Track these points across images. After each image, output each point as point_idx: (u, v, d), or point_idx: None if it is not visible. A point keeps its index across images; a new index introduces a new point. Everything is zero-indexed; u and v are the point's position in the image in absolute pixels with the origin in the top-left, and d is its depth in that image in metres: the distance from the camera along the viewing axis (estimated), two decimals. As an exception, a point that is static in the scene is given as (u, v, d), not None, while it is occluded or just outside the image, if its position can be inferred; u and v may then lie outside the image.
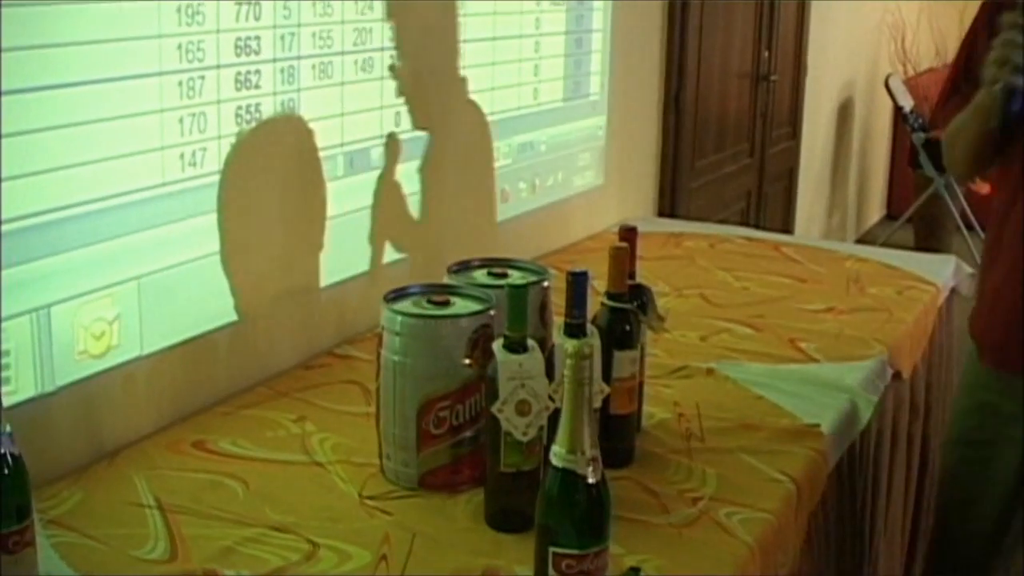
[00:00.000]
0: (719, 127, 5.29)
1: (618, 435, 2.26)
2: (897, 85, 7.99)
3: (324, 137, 2.80)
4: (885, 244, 7.66)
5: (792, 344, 3.03)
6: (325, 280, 2.89)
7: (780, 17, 5.90)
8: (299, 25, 2.68)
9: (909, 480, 3.41)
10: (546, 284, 2.30)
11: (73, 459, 2.26)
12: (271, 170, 2.69)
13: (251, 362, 2.70)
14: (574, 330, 2.04)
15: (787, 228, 6.45)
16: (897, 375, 3.08)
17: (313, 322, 2.88)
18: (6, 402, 1.77)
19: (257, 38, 2.57)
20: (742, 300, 3.41)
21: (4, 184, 2.04)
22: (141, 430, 2.41)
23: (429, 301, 2.18)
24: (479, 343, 2.07)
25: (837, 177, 7.75)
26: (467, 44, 3.28)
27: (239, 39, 2.52)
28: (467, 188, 3.45)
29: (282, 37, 2.64)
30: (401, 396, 2.11)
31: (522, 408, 1.93)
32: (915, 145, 7.83)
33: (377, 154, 2.98)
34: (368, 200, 2.98)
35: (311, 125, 2.76)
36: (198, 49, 2.42)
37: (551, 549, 1.67)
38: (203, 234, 2.51)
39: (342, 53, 2.82)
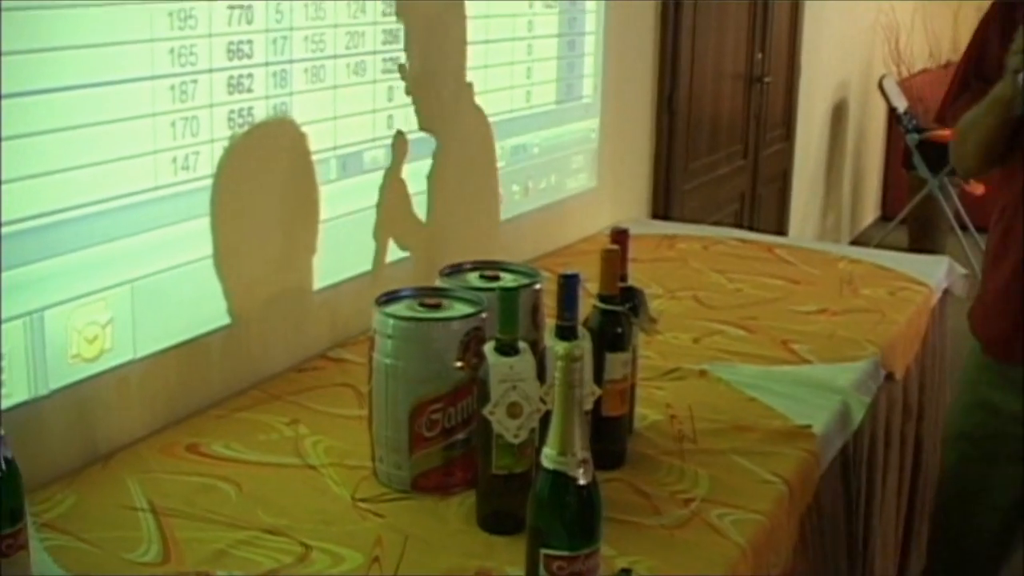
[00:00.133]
0: (712, 129, 5.29)
1: (610, 437, 2.26)
2: (891, 86, 8.00)
3: (316, 140, 2.80)
4: (879, 245, 7.67)
5: (785, 346, 3.04)
6: (318, 283, 2.89)
7: (773, 18, 5.91)
8: (291, 29, 2.68)
9: (902, 481, 3.41)
10: (538, 287, 2.30)
11: (66, 462, 2.26)
12: (264, 174, 2.70)
13: (244, 365, 2.71)
14: (565, 332, 2.04)
15: (781, 229, 6.46)
16: (890, 376, 3.09)
17: (306, 325, 2.89)
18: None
19: (249, 42, 2.57)
20: (735, 302, 3.42)
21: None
22: (134, 433, 2.42)
23: (421, 304, 2.19)
24: (471, 346, 2.08)
25: (831, 178, 7.76)
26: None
27: (231, 43, 2.53)
28: (466, 191, 3.46)
29: (274, 41, 2.64)
30: (393, 399, 2.12)
31: (513, 410, 1.94)
32: (909, 146, 7.84)
33: (370, 157, 2.99)
34: (360, 203, 2.98)
35: (303, 129, 2.76)
36: (190, 53, 2.42)
37: (542, 551, 1.68)
38: (196, 238, 2.51)
39: (334, 57, 2.82)
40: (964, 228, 7.84)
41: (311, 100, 2.77)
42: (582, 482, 1.66)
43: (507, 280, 2.34)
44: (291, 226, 2.80)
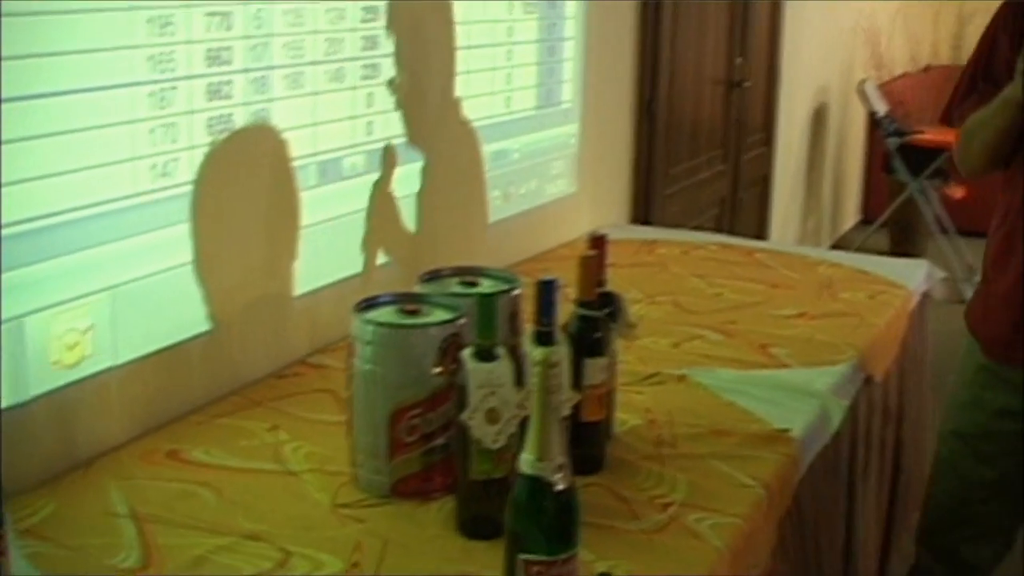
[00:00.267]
0: (692, 134, 5.30)
1: (589, 442, 2.27)
2: (872, 90, 8.02)
3: (296, 147, 2.80)
4: (860, 248, 7.69)
5: (764, 350, 3.05)
6: (298, 289, 2.89)
7: (753, 23, 5.92)
8: (270, 35, 2.69)
9: (882, 483, 3.43)
10: (516, 292, 2.31)
11: (47, 469, 2.26)
12: (244, 180, 2.70)
13: (225, 371, 2.71)
14: (543, 338, 2.05)
15: (762, 234, 6.47)
16: (869, 379, 3.11)
17: (286, 331, 2.89)
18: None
19: (228, 49, 2.58)
20: (714, 306, 3.43)
21: (-24, 195, 2.05)
22: (115, 440, 2.42)
23: (400, 310, 2.19)
24: (449, 352, 2.08)
25: (812, 182, 7.78)
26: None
27: (210, 50, 2.53)
28: (454, 203, 3.47)
29: (253, 48, 2.65)
30: (372, 405, 2.13)
31: (492, 416, 1.94)
32: (889, 150, 7.86)
33: (349, 163, 2.99)
34: (340, 209, 2.98)
35: (283, 135, 2.77)
36: (169, 60, 2.42)
37: (520, 556, 1.68)
38: (176, 244, 2.52)
39: (313, 63, 2.83)
40: (945, 231, 7.86)
41: (290, 107, 2.78)
42: (560, 487, 1.67)
43: (486, 286, 2.34)
44: (271, 232, 2.81)
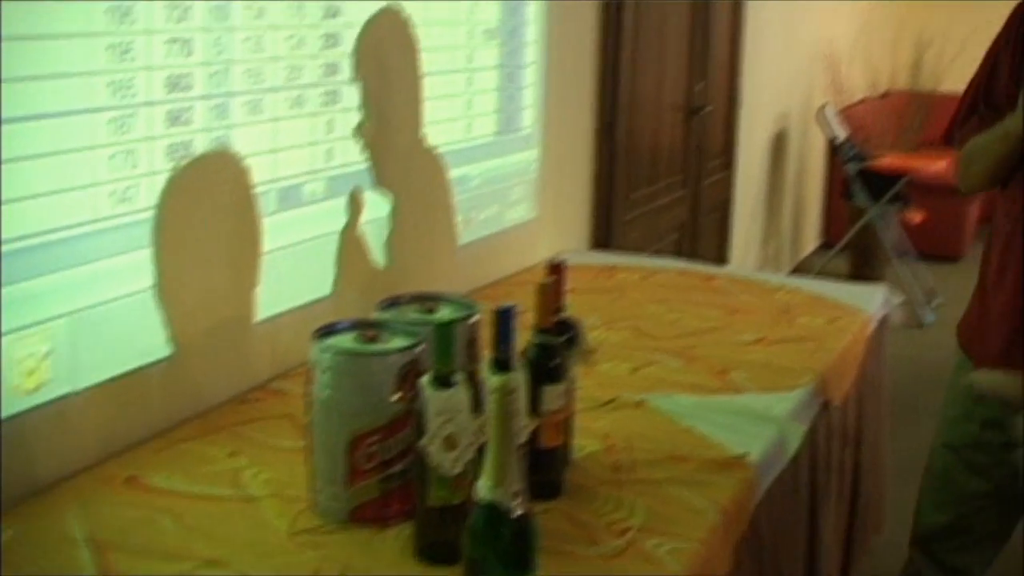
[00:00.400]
0: (652, 159, 5.32)
1: (547, 468, 2.28)
2: (831, 115, 8.06)
3: (256, 173, 2.81)
4: (821, 273, 7.74)
5: (722, 375, 3.07)
6: (259, 315, 2.90)
7: (713, 49, 5.95)
8: (230, 62, 2.70)
9: (841, 506, 3.44)
10: (474, 319, 2.32)
11: (5, 494, 2.25)
12: (204, 206, 2.71)
13: (185, 397, 2.71)
14: (501, 365, 2.06)
15: (722, 258, 6.50)
16: (827, 404, 3.13)
17: (247, 357, 2.89)
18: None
19: (188, 75, 2.59)
20: (673, 332, 3.44)
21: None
22: (74, 465, 2.41)
23: (359, 337, 2.20)
24: (408, 378, 2.09)
25: (772, 207, 7.81)
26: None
27: (170, 76, 2.54)
28: (422, 235, 3.50)
29: (213, 74, 2.66)
30: (331, 431, 2.13)
31: (450, 442, 1.95)
32: (848, 175, 7.90)
33: (309, 190, 3.00)
34: (299, 236, 2.99)
35: (244, 161, 2.78)
36: (129, 87, 2.43)
37: (477, 582, 1.70)
38: (136, 270, 2.52)
39: (273, 90, 2.84)
40: (904, 256, 7.91)
41: (250, 133, 2.79)
42: (516, 514, 1.68)
43: (444, 312, 2.35)
44: (232, 258, 2.81)
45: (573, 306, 2.45)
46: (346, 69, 3.07)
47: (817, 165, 8.92)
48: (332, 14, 3.00)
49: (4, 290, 2.21)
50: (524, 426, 2.09)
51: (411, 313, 2.36)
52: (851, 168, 7.87)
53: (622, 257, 4.44)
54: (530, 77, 4.01)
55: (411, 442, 2.04)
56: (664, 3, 5.23)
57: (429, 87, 3.42)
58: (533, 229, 4.17)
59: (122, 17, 2.40)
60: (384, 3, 3.19)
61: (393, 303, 2.41)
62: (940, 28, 9.78)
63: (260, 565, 2.04)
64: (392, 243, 3.35)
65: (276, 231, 2.89)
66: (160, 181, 2.54)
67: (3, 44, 2.14)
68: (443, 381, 1.97)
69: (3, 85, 2.15)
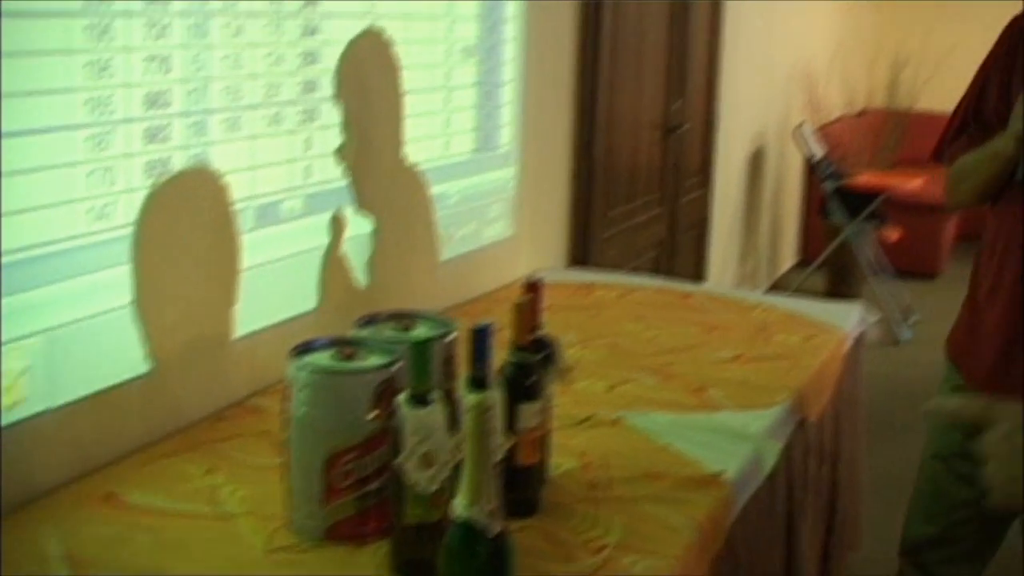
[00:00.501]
0: (630, 177, 5.33)
1: (523, 486, 2.29)
2: (808, 134, 8.09)
3: (234, 190, 2.81)
4: (798, 290, 7.76)
5: (699, 393, 3.07)
6: (237, 332, 2.90)
7: (691, 68, 5.97)
8: (209, 79, 2.70)
9: (818, 523, 3.45)
10: (451, 337, 2.33)
11: (-19, 512, 2.26)
12: (184, 223, 2.71)
13: (163, 413, 2.71)
14: (477, 383, 2.06)
15: (699, 276, 6.51)
16: (803, 421, 3.14)
17: (225, 374, 2.89)
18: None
19: (167, 92, 2.59)
20: (650, 349, 3.45)
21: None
22: (51, 482, 2.41)
23: (336, 355, 2.20)
24: (384, 396, 2.09)
25: (750, 224, 7.83)
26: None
27: (148, 93, 2.54)
28: (404, 254, 3.51)
29: (192, 91, 2.66)
30: (307, 449, 2.13)
31: (426, 460, 1.96)
32: (825, 193, 7.93)
33: (287, 207, 3.01)
34: (278, 253, 2.99)
35: (222, 178, 2.78)
36: (107, 103, 2.43)
37: (454, 600, 1.70)
38: (114, 287, 2.52)
39: (252, 107, 2.84)
40: (881, 273, 7.93)
41: (228, 150, 2.79)
42: (493, 532, 1.68)
43: (421, 330, 2.36)
44: (211, 275, 2.82)
45: (550, 324, 2.45)
46: (324, 87, 3.08)
47: (794, 183, 8.95)
48: (310, 32, 3.01)
49: (-19, 307, 2.21)
50: (500, 444, 2.10)
51: (388, 331, 2.37)
52: (828, 186, 7.90)
53: (600, 274, 4.45)
54: (508, 95, 4.02)
55: (388, 460, 2.04)
56: (642, 23, 5.24)
57: (408, 105, 3.43)
58: (511, 246, 4.18)
59: (100, 34, 2.40)
60: (364, 22, 3.20)
61: (370, 321, 2.41)
62: (916, 48, 9.84)
63: (236, 583, 2.05)
64: (374, 261, 3.35)
65: (254, 248, 2.89)
66: (138, 198, 2.55)
67: (-19, 61, 2.14)
68: (420, 399, 1.98)
69: (-19, 102, 2.15)
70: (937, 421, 3.00)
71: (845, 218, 7.80)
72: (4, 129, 2.20)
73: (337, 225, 3.18)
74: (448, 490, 1.93)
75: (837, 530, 3.64)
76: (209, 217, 2.79)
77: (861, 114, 9.84)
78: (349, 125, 3.18)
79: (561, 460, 2.54)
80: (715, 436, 2.77)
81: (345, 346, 2.24)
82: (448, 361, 2.30)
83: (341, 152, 3.17)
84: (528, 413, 2.26)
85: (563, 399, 2.69)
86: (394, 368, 2.13)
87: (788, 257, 9.08)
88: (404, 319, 2.42)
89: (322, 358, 2.19)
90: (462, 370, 2.20)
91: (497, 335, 2.13)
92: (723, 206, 7.00)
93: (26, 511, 2.31)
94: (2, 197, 2.21)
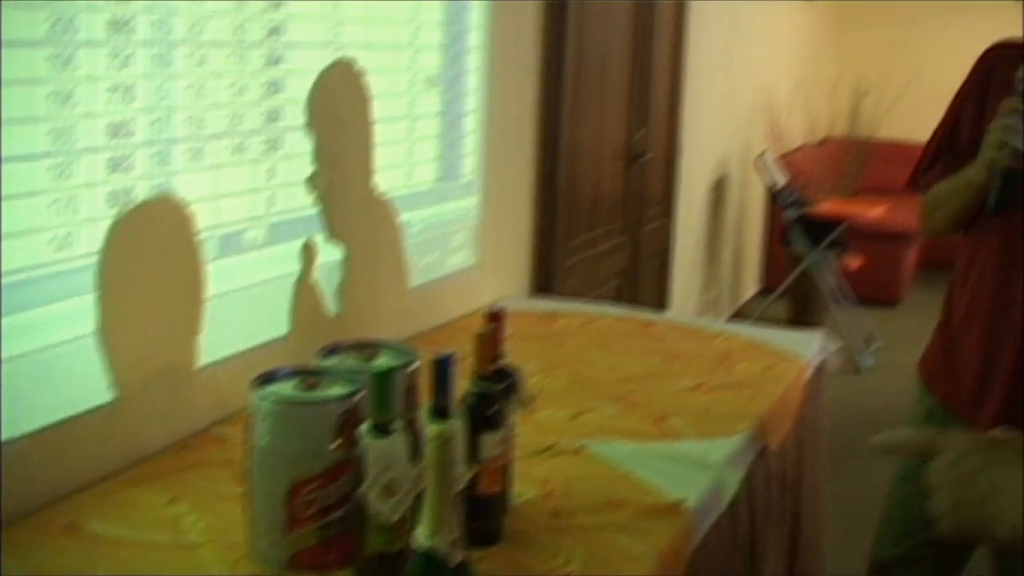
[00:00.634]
0: (593, 206, 5.35)
1: (485, 515, 2.29)
2: (770, 162, 8.14)
3: (198, 219, 2.82)
4: (760, 318, 7.80)
5: (661, 421, 3.09)
6: (200, 361, 2.90)
7: (653, 97, 6.00)
8: (172, 109, 2.71)
9: (780, 552, 3.46)
10: (413, 367, 2.33)
11: (-59, 544, 2.25)
12: (147, 252, 2.71)
13: (126, 442, 2.70)
14: (439, 412, 2.07)
15: (662, 304, 6.53)
16: (764, 449, 3.15)
17: (188, 402, 2.89)
18: None
19: (130, 121, 2.60)
20: (612, 378, 3.46)
21: None
22: (11, 512, 2.39)
23: (298, 384, 2.21)
24: (347, 426, 2.10)
25: (712, 253, 7.86)
26: (341, 127, 3.35)
27: (112, 123, 2.55)
28: (374, 284, 3.52)
29: (155, 121, 2.66)
30: (270, 478, 2.13)
31: (389, 490, 1.96)
32: (787, 221, 7.97)
33: (250, 236, 3.01)
34: (240, 282, 3.00)
35: (186, 207, 2.78)
36: (70, 133, 2.44)
37: (416, 629, 1.70)
38: (77, 316, 2.52)
39: (215, 136, 2.85)
40: (842, 301, 7.97)
41: (192, 180, 2.79)
42: (455, 561, 1.69)
43: (384, 360, 2.36)
44: (174, 304, 2.82)
45: (513, 352, 2.46)
46: (288, 116, 3.09)
47: (756, 211, 8.99)
48: (274, 61, 3.02)
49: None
50: (462, 473, 2.11)
51: (351, 360, 2.37)
52: (790, 214, 7.94)
53: (562, 303, 4.46)
54: (471, 125, 4.04)
55: (350, 489, 2.05)
56: (605, 53, 5.26)
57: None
58: (474, 275, 4.19)
59: (64, 64, 2.41)
60: (328, 52, 3.21)
61: (333, 350, 2.42)
62: (877, 77, 9.92)
63: (199, 612, 2.04)
64: (343, 289, 3.36)
65: (217, 277, 2.90)
66: (101, 228, 2.55)
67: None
68: (382, 429, 1.98)
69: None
70: (884, 455, 3.02)
71: (807, 246, 7.85)
72: (-33, 159, 2.21)
73: (308, 253, 3.19)
74: (410, 520, 1.94)
75: (800, 558, 3.65)
76: (172, 246, 2.79)
77: (823, 143, 9.90)
78: (321, 154, 3.19)
79: (523, 489, 2.54)
80: (676, 465, 2.79)
81: (308, 376, 2.24)
82: (410, 391, 2.31)
83: (312, 180, 3.18)
84: (490, 442, 2.26)
85: (525, 428, 2.70)
86: (356, 398, 2.14)
87: (750, 285, 9.11)
88: (367, 349, 2.42)
89: (284, 388, 2.19)
90: (425, 399, 2.21)
91: (460, 364, 2.13)
92: (685, 235, 7.02)
93: (-14, 541, 2.30)
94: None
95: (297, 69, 3.11)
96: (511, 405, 2.36)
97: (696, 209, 7.33)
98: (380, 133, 3.49)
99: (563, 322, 4.10)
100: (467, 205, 4.09)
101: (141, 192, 2.65)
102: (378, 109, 3.46)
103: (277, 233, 3.10)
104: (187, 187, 2.78)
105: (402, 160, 3.65)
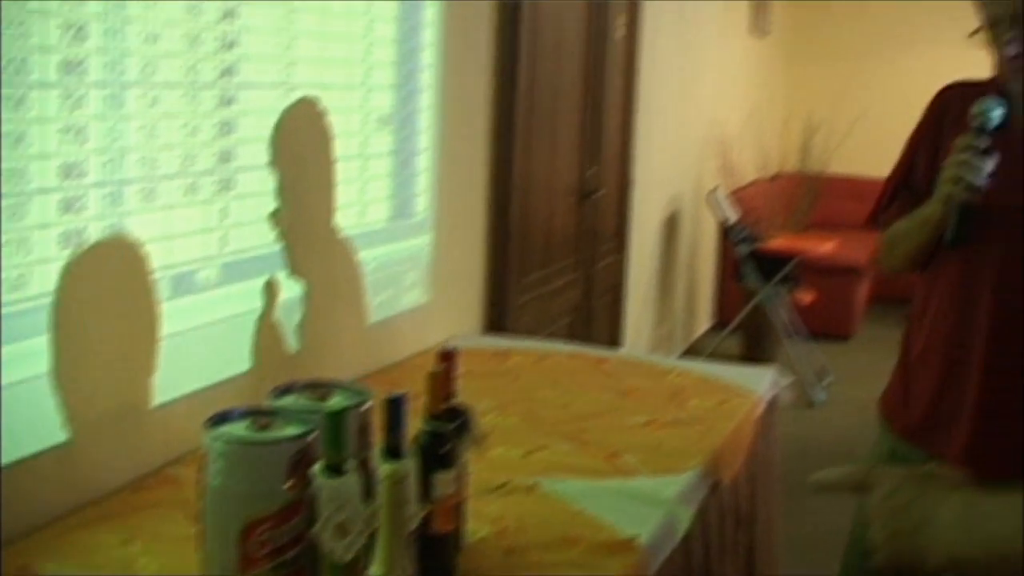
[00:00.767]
0: (546, 243, 5.37)
1: (439, 554, 2.29)
2: (722, 198, 8.18)
3: (151, 260, 2.82)
4: (713, 353, 7.82)
5: (613, 458, 3.10)
6: (154, 400, 2.90)
7: (605, 133, 6.03)
8: (125, 149, 2.72)
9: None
10: (366, 407, 2.34)
11: None
12: (100, 292, 2.71)
13: (79, 484, 2.69)
14: (392, 452, 2.08)
15: (615, 340, 6.55)
16: (717, 484, 3.17)
17: (142, 443, 2.88)
18: None
19: (83, 162, 2.60)
20: (565, 415, 3.47)
21: None
22: (-38, 556, 2.40)
23: (251, 424, 2.21)
24: (300, 466, 2.10)
25: (665, 289, 7.89)
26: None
27: (64, 164, 2.55)
28: (333, 322, 3.51)
29: (107, 162, 2.67)
30: (223, 519, 2.13)
31: (341, 530, 1.97)
32: (739, 257, 8.01)
33: (203, 276, 3.02)
34: (195, 322, 3.00)
35: (140, 248, 2.79)
36: (22, 174, 2.44)
37: (369, 669, 1.71)
38: (30, 356, 2.52)
39: (168, 177, 2.86)
40: (795, 336, 8.01)
41: (144, 220, 2.80)
42: (407, 600, 1.70)
43: (337, 400, 2.37)
44: (128, 344, 2.82)
45: (467, 390, 2.47)
46: (241, 156, 3.10)
47: (709, 247, 9.03)
48: (227, 102, 3.03)
49: None
50: (415, 512, 2.11)
51: (304, 400, 2.38)
52: (742, 250, 7.98)
53: (515, 340, 4.48)
54: (423, 163, 4.06)
55: (303, 529, 2.05)
56: (557, 90, 5.29)
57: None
58: (427, 313, 4.20)
59: (16, 105, 2.41)
60: (280, 92, 3.23)
61: (286, 390, 2.42)
62: (827, 113, 10.00)
63: (152, 654, 2.04)
64: (303, 327, 3.38)
65: (170, 317, 2.90)
66: (53, 268, 2.55)
67: None
68: (335, 469, 1.99)
69: None
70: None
71: (759, 281, 7.89)
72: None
73: (270, 290, 3.20)
74: (363, 559, 1.95)
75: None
76: (126, 287, 2.79)
77: (774, 178, 9.97)
78: (283, 191, 3.21)
79: (477, 527, 2.55)
80: (629, 501, 2.80)
81: (260, 416, 2.24)
82: (363, 430, 2.31)
83: (275, 217, 3.20)
84: (443, 481, 2.27)
85: (479, 466, 2.70)
86: (309, 438, 2.14)
87: (703, 320, 9.15)
88: (320, 388, 2.42)
89: (237, 428, 2.19)
90: (378, 439, 2.21)
91: (412, 403, 2.14)
92: (638, 270, 7.05)
93: (-63, 585, 2.30)
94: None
95: (250, 110, 3.12)
96: (464, 443, 2.37)
97: (649, 245, 7.36)
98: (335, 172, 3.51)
99: (516, 359, 4.11)
100: (420, 243, 4.10)
101: (94, 233, 2.65)
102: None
103: (230, 273, 3.11)
104: (140, 228, 2.78)
105: (355, 199, 3.66)
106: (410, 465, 2.10)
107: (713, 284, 9.28)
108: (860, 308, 9.38)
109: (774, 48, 10.44)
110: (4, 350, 2.44)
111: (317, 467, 2.01)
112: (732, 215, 8.17)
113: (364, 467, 2.09)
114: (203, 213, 3.00)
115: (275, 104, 3.23)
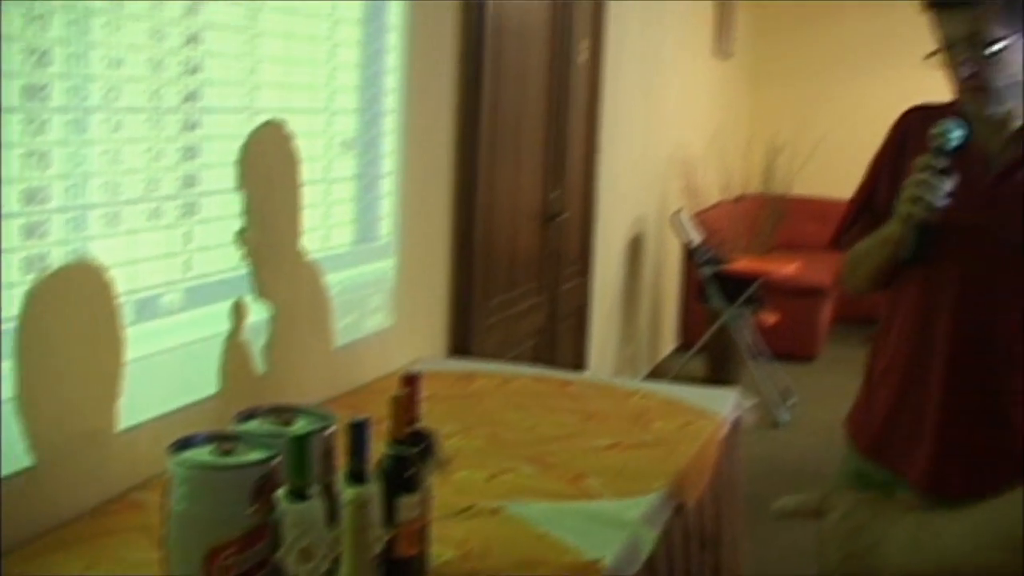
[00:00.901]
0: (510, 266, 5.37)
1: (403, 577, 2.31)
2: (686, 220, 8.20)
3: (114, 284, 2.82)
4: (678, 375, 7.85)
5: (577, 481, 3.11)
6: (118, 425, 2.89)
7: (569, 156, 6.04)
8: (88, 174, 2.71)
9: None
10: (330, 431, 2.34)
11: None
12: (64, 317, 2.70)
13: (43, 509, 2.68)
14: (355, 477, 2.09)
15: (580, 363, 6.56)
16: (681, 506, 3.18)
17: (106, 468, 2.88)
18: None
19: (46, 188, 2.60)
20: (530, 438, 3.48)
21: None
22: (-76, 583, 2.39)
23: (215, 450, 2.21)
24: (264, 491, 2.11)
25: (630, 310, 7.90)
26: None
27: (26, 189, 2.55)
28: (299, 346, 3.52)
29: (70, 187, 2.67)
30: (187, 544, 2.13)
31: (305, 555, 1.97)
32: (704, 278, 8.03)
33: (167, 301, 3.01)
34: (159, 346, 3.00)
35: (104, 273, 2.78)
36: (-15, 201, 2.44)
37: None
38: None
39: (131, 202, 2.86)
40: (759, 357, 8.04)
41: (107, 245, 2.79)
42: (371, 624, 1.71)
43: (301, 424, 2.37)
44: (93, 369, 2.81)
45: (431, 413, 2.48)
46: (204, 181, 3.10)
47: (673, 268, 9.05)
48: (191, 127, 3.04)
49: None
50: (379, 537, 2.12)
51: (267, 425, 2.38)
52: (706, 271, 8.00)
53: (480, 364, 4.48)
54: (387, 187, 4.06)
55: (267, 554, 2.06)
56: (520, 113, 5.31)
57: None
58: (391, 337, 4.20)
59: (-22, 132, 2.42)
60: (244, 117, 3.24)
61: (250, 415, 2.42)
62: (791, 134, 10.04)
63: None
64: (269, 349, 3.38)
65: (134, 342, 2.89)
66: (16, 293, 2.54)
67: None
68: (298, 494, 2.00)
69: None
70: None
71: (723, 303, 7.91)
72: None
73: (238, 312, 3.21)
74: (328, 584, 1.96)
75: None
76: (90, 311, 2.79)
77: (738, 200, 10.00)
78: (251, 213, 3.21)
79: (441, 550, 2.55)
80: (593, 524, 2.81)
81: (224, 441, 2.25)
82: (327, 455, 2.31)
83: (242, 237, 3.20)
84: (407, 505, 2.28)
85: (443, 489, 2.71)
86: (273, 463, 2.15)
87: (668, 342, 9.16)
88: (284, 413, 2.43)
89: (201, 453, 2.20)
90: (342, 463, 2.22)
91: (376, 427, 2.15)
92: (603, 293, 7.06)
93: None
94: None
95: (213, 134, 3.12)
96: (428, 467, 2.38)
97: (613, 267, 7.37)
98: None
99: (480, 383, 4.12)
100: (384, 267, 4.11)
101: (56, 258, 2.65)
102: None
103: (194, 297, 3.11)
104: (104, 252, 2.78)
105: (319, 223, 3.67)
106: (374, 489, 2.11)
107: (677, 306, 9.30)
108: (824, 329, 9.42)
109: (737, 70, 10.50)
110: (-33, 376, 2.44)
111: (281, 492, 2.01)
112: (696, 237, 8.19)
113: (328, 491, 2.09)
114: (167, 237, 3.00)
115: (239, 129, 3.24)
